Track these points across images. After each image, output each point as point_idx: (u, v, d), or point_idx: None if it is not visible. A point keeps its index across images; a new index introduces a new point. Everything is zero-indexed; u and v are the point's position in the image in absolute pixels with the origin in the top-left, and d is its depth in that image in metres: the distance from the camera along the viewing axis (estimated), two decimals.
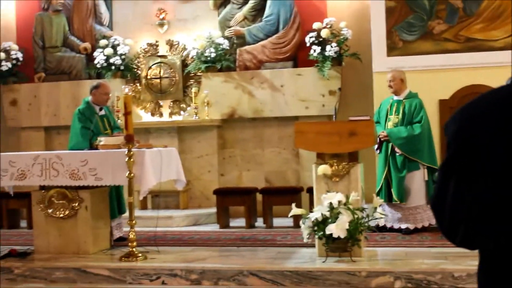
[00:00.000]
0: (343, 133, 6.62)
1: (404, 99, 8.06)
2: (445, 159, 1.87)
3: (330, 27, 9.81)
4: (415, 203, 7.86)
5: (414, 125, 7.87)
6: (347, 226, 6.18)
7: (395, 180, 7.82)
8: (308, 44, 9.88)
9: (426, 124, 7.91)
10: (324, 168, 6.59)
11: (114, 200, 7.91)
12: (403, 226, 7.89)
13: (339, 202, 6.32)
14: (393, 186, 7.82)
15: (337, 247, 6.35)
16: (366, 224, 6.40)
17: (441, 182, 1.87)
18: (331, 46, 9.67)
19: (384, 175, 7.90)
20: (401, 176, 7.81)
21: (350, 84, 10.01)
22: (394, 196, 7.79)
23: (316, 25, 9.85)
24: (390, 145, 7.90)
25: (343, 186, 6.60)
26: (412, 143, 7.78)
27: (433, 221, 7.85)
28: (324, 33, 9.72)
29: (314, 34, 9.83)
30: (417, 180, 7.85)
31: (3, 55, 11.02)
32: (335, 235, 6.18)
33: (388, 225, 7.96)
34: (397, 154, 7.86)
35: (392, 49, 9.17)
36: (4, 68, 10.99)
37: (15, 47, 11.18)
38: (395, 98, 8.13)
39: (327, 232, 6.20)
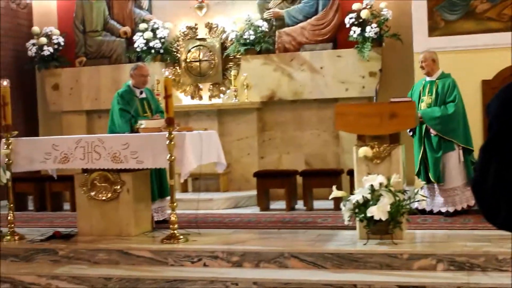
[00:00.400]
0: (384, 114, 6.56)
1: (436, 79, 7.96)
2: (487, 140, 1.83)
3: (370, 7, 9.71)
4: (452, 184, 7.79)
5: (448, 104, 7.77)
6: (388, 209, 6.14)
7: (431, 161, 7.75)
8: (347, 25, 9.80)
9: (460, 103, 7.79)
10: (364, 150, 6.54)
11: (154, 183, 7.98)
12: (443, 209, 7.81)
13: (381, 184, 6.28)
14: (430, 167, 7.75)
15: (378, 229, 6.31)
16: (407, 206, 6.35)
17: (483, 163, 1.84)
18: (371, 27, 9.58)
19: (420, 156, 7.83)
20: (437, 157, 7.73)
21: (391, 66, 9.90)
22: (431, 177, 7.72)
23: (355, 6, 9.76)
24: (424, 126, 7.81)
25: (384, 168, 6.55)
26: (446, 123, 7.69)
27: (472, 203, 7.77)
28: (364, 14, 9.62)
29: (353, 15, 9.75)
30: (453, 161, 7.77)
31: (44, 40, 11.16)
32: (376, 218, 6.14)
33: (428, 209, 7.90)
34: (432, 134, 7.78)
35: (433, 29, 9.03)
36: (46, 53, 11.13)
37: (57, 32, 11.31)
38: (428, 79, 8.03)
39: (368, 214, 6.17)
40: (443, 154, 7.75)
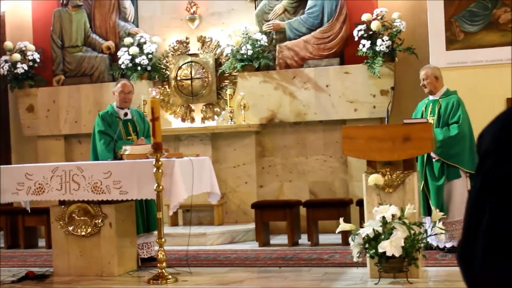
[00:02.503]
0: (397, 138, 6.57)
1: (440, 98, 8.00)
2: (479, 177, 1.53)
3: (381, 18, 9.75)
4: (458, 216, 7.76)
5: (451, 125, 7.79)
6: (402, 243, 6.12)
7: (432, 190, 7.76)
8: (356, 38, 9.84)
9: (465, 124, 7.79)
10: (375, 178, 6.54)
11: (139, 215, 7.95)
12: (448, 244, 7.76)
13: (393, 216, 6.27)
14: (431, 196, 7.75)
15: (391, 267, 6.29)
16: (424, 241, 6.34)
17: (471, 216, 1.52)
18: (383, 40, 9.62)
19: (422, 185, 7.80)
20: (438, 185, 7.73)
21: (405, 83, 9.93)
22: (432, 206, 7.69)
23: (365, 17, 9.80)
24: None
25: (398, 198, 6.54)
26: (449, 146, 7.68)
27: None
28: (375, 26, 9.67)
29: (363, 26, 9.79)
30: (459, 190, 7.76)
31: (18, 56, 11.20)
32: (389, 254, 6.12)
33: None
34: (434, 160, 7.79)
35: (451, 42, 9.08)
36: (19, 70, 11.16)
37: (32, 47, 11.35)
38: (431, 98, 8.11)
39: (380, 250, 6.15)
40: (448, 182, 7.75)
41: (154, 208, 7.94)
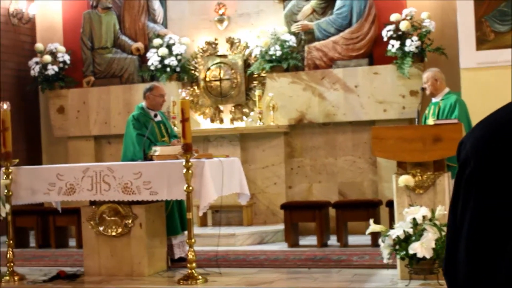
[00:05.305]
0: (427, 138, 6.53)
1: (441, 100, 7.96)
2: (459, 183, 1.45)
3: (411, 18, 9.70)
4: None
5: None
6: (433, 245, 6.08)
7: None
8: (385, 39, 9.79)
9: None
10: (405, 179, 6.51)
11: (177, 215, 7.97)
12: None
13: (424, 217, 6.23)
14: None
15: (422, 268, 6.25)
16: None
17: (455, 216, 1.44)
18: (412, 41, 9.56)
19: None
20: None
21: None
22: None
23: (394, 17, 9.76)
24: None
25: (428, 199, 6.50)
26: None
27: None
28: (404, 26, 9.62)
29: (392, 27, 9.74)
30: None
31: (49, 58, 11.28)
32: (419, 255, 6.09)
33: None
34: None
35: (482, 42, 9.01)
36: (50, 72, 11.23)
37: (62, 49, 11.43)
38: (433, 100, 8.06)
39: (411, 251, 6.12)
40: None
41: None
